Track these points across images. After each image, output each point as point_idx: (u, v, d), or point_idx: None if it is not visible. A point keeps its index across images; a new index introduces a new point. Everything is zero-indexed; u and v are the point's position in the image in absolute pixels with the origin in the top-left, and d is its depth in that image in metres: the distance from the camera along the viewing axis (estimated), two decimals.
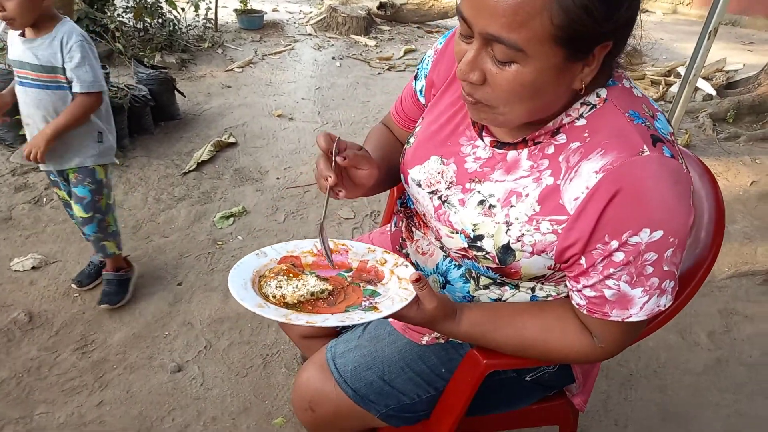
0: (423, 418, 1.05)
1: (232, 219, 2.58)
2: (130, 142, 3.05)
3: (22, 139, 2.78)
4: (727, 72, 4.86)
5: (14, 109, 2.77)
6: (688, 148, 3.72)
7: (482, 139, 0.87)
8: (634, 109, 0.76)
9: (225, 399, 1.68)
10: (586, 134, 0.76)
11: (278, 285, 0.85)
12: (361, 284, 0.91)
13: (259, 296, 0.83)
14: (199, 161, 2.99)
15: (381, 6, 6.29)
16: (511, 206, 0.80)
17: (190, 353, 1.82)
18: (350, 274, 0.93)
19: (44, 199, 2.51)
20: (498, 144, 0.85)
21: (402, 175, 1.00)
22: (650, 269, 0.74)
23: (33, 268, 2.10)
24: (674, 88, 4.34)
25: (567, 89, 0.73)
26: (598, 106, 0.77)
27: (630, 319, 0.77)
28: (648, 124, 0.75)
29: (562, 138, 0.78)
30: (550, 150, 0.79)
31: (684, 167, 0.74)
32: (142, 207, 2.57)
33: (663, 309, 0.77)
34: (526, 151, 0.81)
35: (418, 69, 1.04)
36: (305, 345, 1.28)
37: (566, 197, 0.76)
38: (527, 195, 0.79)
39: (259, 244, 2.41)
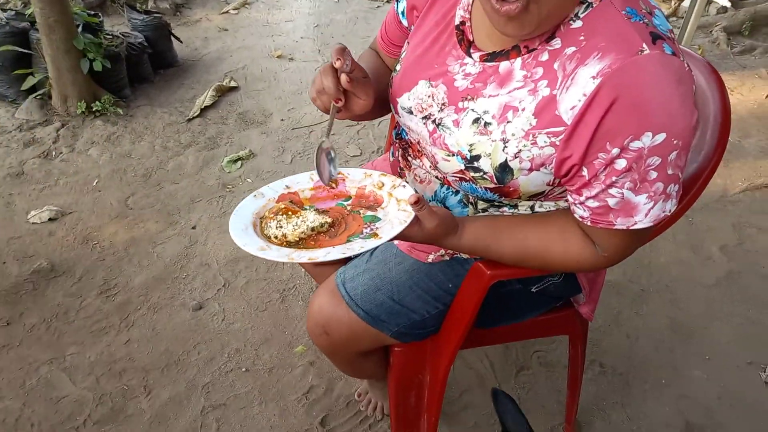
0: (433, 333, 1.08)
1: (239, 162, 2.59)
2: (131, 92, 3.02)
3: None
4: None
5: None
6: None
7: (470, 56, 0.84)
8: (632, 6, 0.73)
9: (246, 332, 1.74)
10: (582, 37, 0.73)
11: (278, 225, 0.86)
12: (362, 211, 0.91)
13: (261, 238, 0.83)
14: (203, 107, 2.97)
15: None
16: (508, 122, 0.78)
17: (210, 292, 1.87)
18: (349, 202, 0.93)
19: (53, 153, 2.53)
20: (488, 56, 0.82)
21: (392, 106, 0.97)
22: (654, 174, 0.72)
23: (50, 219, 2.14)
24: (686, 3, 4.16)
25: None
26: (594, 5, 0.73)
27: (635, 227, 0.76)
28: (646, 21, 0.72)
29: (556, 43, 0.75)
30: (545, 57, 0.76)
31: (686, 65, 0.70)
32: (150, 155, 2.58)
33: (668, 214, 0.76)
34: (519, 60, 0.78)
35: None
36: (319, 273, 1.31)
37: (562, 107, 0.73)
38: (523, 109, 0.77)
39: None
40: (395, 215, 0.87)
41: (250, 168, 2.56)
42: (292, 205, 0.92)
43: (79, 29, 2.70)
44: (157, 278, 1.92)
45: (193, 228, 2.16)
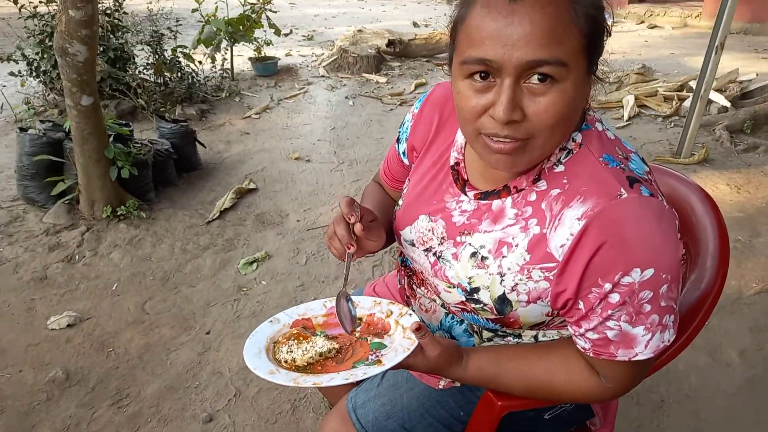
0: None
1: (255, 264, 2.65)
2: (155, 195, 3.16)
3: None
4: (741, 82, 4.83)
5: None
6: (706, 162, 3.70)
7: (465, 194, 0.91)
8: (608, 153, 0.79)
9: None
10: (565, 180, 0.79)
11: (289, 350, 0.90)
12: (369, 338, 0.94)
13: (272, 362, 0.88)
14: (222, 209, 3.09)
15: (390, 43, 6.44)
16: (503, 257, 0.83)
17: (221, 402, 1.86)
18: (358, 329, 0.97)
19: (77, 257, 2.62)
20: (482, 195, 0.88)
21: (396, 237, 1.04)
22: (648, 307, 0.75)
23: (68, 325, 2.18)
24: (687, 103, 4.33)
25: (581, 108, 0.78)
26: (574, 151, 0.80)
27: (636, 358, 0.78)
28: (622, 166, 0.77)
29: (542, 184, 0.81)
30: (533, 197, 0.82)
31: (664, 204, 0.75)
32: (170, 258, 2.66)
33: (668, 344, 0.78)
34: (509, 199, 0.85)
35: (399, 132, 1.09)
36: (328, 391, 1.31)
37: (553, 245, 0.78)
38: (517, 245, 0.82)
39: (282, 288, 2.46)
40: (400, 343, 0.90)
41: (265, 270, 2.62)
42: (305, 330, 0.96)
43: (111, 139, 2.88)
44: (169, 387, 1.92)
45: (207, 333, 2.18)
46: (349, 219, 0.88)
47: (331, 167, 3.75)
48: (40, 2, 3.96)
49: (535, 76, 0.69)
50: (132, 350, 2.08)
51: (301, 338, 0.94)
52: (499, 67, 0.69)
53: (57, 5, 2.61)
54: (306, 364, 0.88)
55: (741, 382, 1.96)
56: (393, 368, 0.84)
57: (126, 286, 2.45)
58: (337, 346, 0.92)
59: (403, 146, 1.08)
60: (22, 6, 3.88)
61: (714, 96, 4.46)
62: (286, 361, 0.89)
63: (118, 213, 2.87)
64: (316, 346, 0.91)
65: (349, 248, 0.89)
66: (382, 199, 1.17)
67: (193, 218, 3.01)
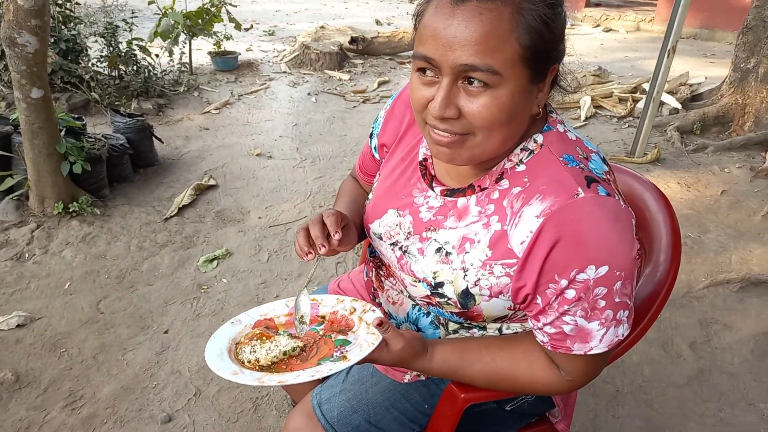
0: None
1: (215, 262, 2.60)
2: (110, 191, 3.07)
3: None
4: (691, 85, 5.03)
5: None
6: (658, 161, 3.84)
7: (433, 189, 0.92)
8: (568, 153, 0.81)
9: None
10: (526, 179, 0.81)
11: (252, 350, 0.89)
12: (333, 335, 0.94)
13: (234, 363, 0.86)
14: (180, 206, 3.02)
15: (353, 41, 6.42)
16: (466, 252, 0.85)
17: (180, 401, 1.82)
18: (322, 327, 0.97)
19: (26, 255, 2.51)
20: (448, 192, 0.90)
21: (365, 230, 1.05)
22: (602, 302, 0.78)
23: (18, 326, 2.09)
24: (641, 104, 4.48)
25: (527, 114, 0.79)
26: (535, 152, 0.82)
27: (592, 352, 0.81)
28: (582, 166, 0.80)
29: (505, 183, 0.84)
30: (495, 195, 0.84)
31: (621, 203, 0.78)
32: (125, 256, 2.58)
33: (622, 338, 0.81)
34: (474, 197, 0.87)
35: (372, 128, 1.10)
36: (292, 390, 1.30)
37: (513, 241, 0.80)
38: (479, 241, 0.84)
39: (243, 285, 2.43)
40: (365, 338, 0.90)
41: (226, 267, 2.57)
42: (267, 330, 0.95)
43: (62, 133, 2.78)
44: (125, 388, 1.86)
45: (166, 332, 2.13)
46: (334, 235, 0.89)
47: (293, 164, 3.71)
48: None
49: (474, 75, 0.71)
50: (86, 351, 2.01)
51: (264, 338, 0.93)
52: (438, 66, 0.73)
53: None
54: (270, 363, 0.88)
55: (691, 373, 2.04)
56: (358, 363, 0.84)
57: (79, 285, 2.36)
58: (301, 344, 0.92)
59: (374, 141, 1.09)
60: None
61: (666, 98, 4.63)
62: (249, 362, 0.88)
63: (71, 210, 2.77)
64: (279, 345, 0.90)
65: (320, 249, 0.89)
66: (357, 195, 1.18)
67: (150, 215, 2.93)
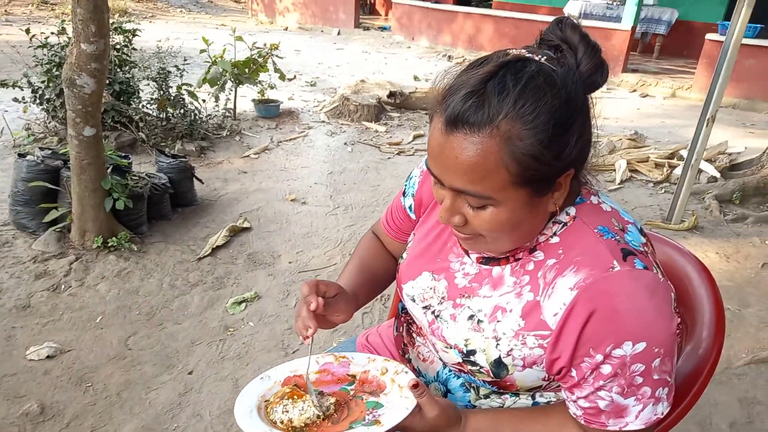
0: None
1: (244, 304, 2.62)
2: (148, 228, 3.15)
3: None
4: (730, 154, 4.96)
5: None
6: (696, 229, 3.75)
7: (469, 256, 0.92)
8: (603, 224, 0.80)
9: None
10: (561, 251, 0.81)
11: (284, 410, 0.88)
12: (364, 396, 0.92)
13: (265, 422, 0.85)
14: (214, 246, 3.07)
15: (391, 95, 6.59)
16: (498, 321, 0.84)
17: None
18: (353, 387, 0.95)
19: (63, 286, 2.58)
20: (484, 260, 0.90)
21: (398, 290, 1.04)
22: (640, 379, 0.75)
23: (48, 357, 2.12)
24: (678, 171, 4.43)
25: (543, 214, 0.80)
26: (568, 224, 0.82)
27: (627, 428, 0.78)
28: (618, 238, 0.79)
29: (539, 255, 0.83)
30: (530, 266, 0.84)
31: (660, 276, 0.76)
32: (157, 293, 2.62)
33: (661, 416, 0.78)
34: (508, 267, 0.86)
35: (405, 186, 1.11)
36: None
37: (546, 313, 0.79)
38: (511, 310, 0.83)
39: (270, 330, 2.43)
40: (398, 402, 0.88)
41: (253, 310, 2.58)
42: (298, 388, 0.93)
43: (109, 170, 2.89)
44: (146, 428, 1.86)
45: (190, 373, 2.13)
46: (309, 304, 0.91)
47: (326, 211, 3.76)
48: (52, 33, 4.03)
49: (470, 197, 0.74)
50: (111, 386, 2.02)
51: (295, 397, 0.91)
52: (441, 181, 0.77)
53: (69, 38, 2.67)
54: (303, 425, 0.86)
55: None
56: (391, 430, 0.82)
57: (110, 320, 2.40)
58: (333, 400, 0.90)
59: (409, 201, 1.09)
60: (33, 36, 3.96)
61: (704, 166, 4.57)
62: (282, 422, 0.86)
63: (109, 244, 2.84)
64: (313, 407, 0.88)
65: (305, 338, 0.90)
66: (371, 257, 1.18)
67: (185, 254, 2.99)
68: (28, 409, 1.87)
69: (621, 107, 8.03)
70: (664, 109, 8.30)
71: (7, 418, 1.84)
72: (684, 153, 4.34)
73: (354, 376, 0.97)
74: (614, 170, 4.81)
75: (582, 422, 0.82)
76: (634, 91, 9.50)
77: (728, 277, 3.15)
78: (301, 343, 2.36)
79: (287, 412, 0.87)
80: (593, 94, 0.77)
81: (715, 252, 3.46)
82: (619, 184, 4.60)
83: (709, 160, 4.79)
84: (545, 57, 0.72)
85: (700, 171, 4.50)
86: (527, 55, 0.72)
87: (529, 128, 0.69)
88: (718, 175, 4.59)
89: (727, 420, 2.08)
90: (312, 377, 0.98)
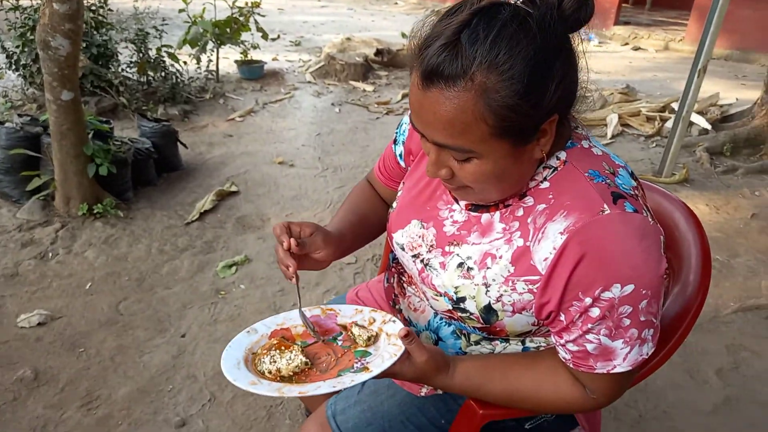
0: None
1: (234, 268, 2.61)
2: (133, 194, 3.10)
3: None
4: (722, 106, 4.94)
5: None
6: (687, 182, 3.76)
7: (458, 203, 0.91)
8: (594, 168, 0.79)
9: None
10: (551, 196, 0.80)
11: (272, 360, 0.87)
12: (352, 346, 0.92)
13: (252, 374, 0.85)
14: (202, 211, 3.04)
15: (378, 53, 6.46)
16: (487, 268, 0.83)
17: (195, 407, 1.82)
18: (341, 337, 0.95)
19: (50, 254, 2.55)
20: (473, 207, 0.88)
21: (388, 238, 1.03)
22: (627, 321, 0.75)
23: (39, 324, 2.11)
24: (669, 124, 4.41)
25: (530, 162, 0.78)
26: (558, 169, 0.80)
27: (615, 370, 0.79)
28: (608, 181, 0.77)
29: (529, 200, 0.82)
30: (520, 212, 0.82)
31: (649, 219, 0.75)
32: (146, 258, 2.60)
33: (646, 357, 0.79)
34: (498, 213, 0.85)
35: (396, 133, 1.09)
36: (307, 399, 1.28)
37: (536, 258, 0.78)
38: (500, 257, 0.82)
39: (261, 292, 2.43)
40: (385, 349, 0.88)
41: (244, 273, 2.57)
42: (285, 340, 0.93)
43: (90, 136, 2.82)
44: (141, 390, 1.86)
45: (183, 336, 2.13)
46: (282, 243, 0.92)
47: (315, 173, 3.72)
48: None
49: (452, 151, 0.73)
50: (104, 351, 2.02)
51: (282, 348, 0.91)
52: (424, 135, 0.76)
53: None
54: (292, 373, 0.86)
55: (718, 400, 1.97)
56: (380, 376, 0.82)
57: (100, 286, 2.38)
58: (320, 356, 0.90)
59: (399, 148, 1.08)
60: None
61: (696, 118, 4.55)
62: (270, 372, 0.86)
63: (95, 211, 2.80)
64: (300, 356, 0.88)
65: (288, 268, 0.91)
66: (364, 200, 1.18)
67: (172, 219, 2.95)
68: (22, 375, 1.87)
69: (613, 61, 7.94)
70: (657, 62, 8.22)
71: (1, 384, 1.84)
72: (675, 106, 4.31)
73: (343, 327, 0.97)
74: (605, 125, 4.78)
75: (571, 366, 0.82)
76: (626, 44, 9.38)
77: (718, 228, 3.17)
78: (293, 304, 2.36)
79: (275, 362, 0.87)
80: (581, 34, 0.74)
81: (705, 204, 3.47)
82: (610, 138, 4.58)
83: (700, 113, 4.77)
84: None
85: (691, 124, 4.48)
86: None
87: (504, 79, 0.66)
88: (709, 127, 4.57)
89: (714, 366, 2.12)
90: (299, 330, 0.97)
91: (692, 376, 2.07)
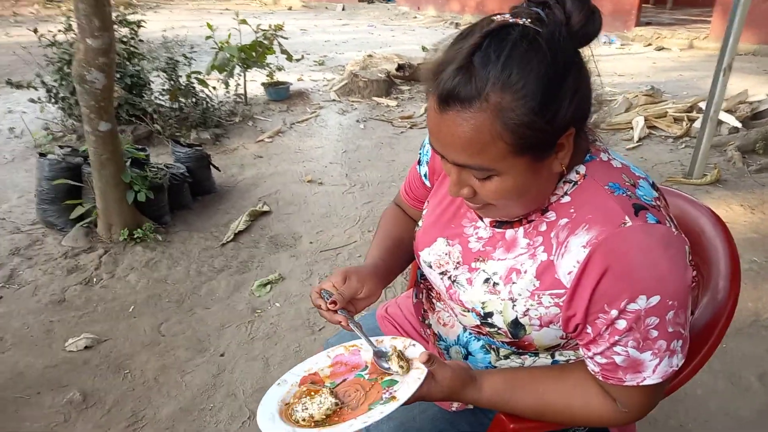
0: None
1: (269, 286, 2.67)
2: (171, 218, 3.21)
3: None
4: (751, 103, 4.83)
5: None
6: (719, 183, 3.69)
7: (482, 220, 0.94)
8: (614, 181, 0.81)
9: None
10: (572, 210, 0.82)
11: (304, 407, 0.89)
12: (379, 378, 0.94)
13: (288, 424, 0.87)
14: (236, 231, 3.12)
15: (399, 68, 6.53)
16: (513, 283, 0.85)
17: (235, 424, 1.87)
18: (366, 371, 0.97)
19: (94, 279, 2.66)
20: (497, 223, 0.91)
21: (416, 256, 1.06)
22: (655, 333, 0.76)
23: (86, 347, 2.21)
24: (697, 124, 4.34)
25: (550, 176, 0.80)
26: (579, 183, 0.82)
27: (645, 383, 0.79)
28: (629, 193, 0.79)
29: (551, 215, 0.84)
30: (543, 227, 0.84)
31: (673, 229, 0.76)
32: (185, 280, 2.69)
33: (677, 369, 0.79)
34: (521, 229, 0.87)
35: (420, 154, 1.12)
36: None
37: (560, 272, 0.80)
38: (525, 271, 0.84)
39: (295, 310, 2.48)
40: (410, 375, 0.89)
41: (278, 292, 2.64)
42: (314, 385, 0.95)
43: (128, 164, 2.94)
44: (183, 409, 1.93)
45: (222, 355, 2.20)
46: (320, 308, 0.97)
47: (343, 190, 3.78)
48: (59, 31, 4.08)
49: (473, 170, 0.76)
50: (148, 372, 2.10)
51: (312, 393, 0.93)
52: (444, 156, 0.79)
53: (75, 34, 2.70)
54: (324, 416, 0.88)
55: (761, 407, 1.93)
56: (408, 401, 0.83)
57: (142, 308, 2.47)
58: (340, 400, 0.92)
59: (424, 168, 1.11)
60: (41, 35, 4.00)
61: (724, 117, 4.47)
62: (303, 419, 0.88)
63: (135, 236, 2.91)
64: (330, 398, 0.90)
65: (346, 328, 0.96)
66: (397, 224, 1.21)
67: (208, 241, 3.05)
68: (72, 398, 1.95)
69: (636, 62, 7.85)
70: (681, 61, 8.08)
71: (52, 406, 1.93)
72: (703, 105, 4.24)
73: (366, 362, 0.99)
74: (632, 128, 4.73)
75: (600, 378, 0.83)
76: (649, 45, 9.25)
77: (754, 228, 3.11)
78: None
79: (306, 409, 0.89)
80: (592, 46, 0.76)
81: (740, 204, 3.40)
82: (637, 142, 4.53)
83: (729, 111, 4.67)
84: (529, 19, 0.71)
85: (720, 122, 4.40)
86: (511, 20, 0.71)
87: (518, 98, 0.69)
88: (739, 125, 4.48)
89: (756, 372, 2.08)
90: (326, 371, 1.00)
91: (733, 383, 2.03)
